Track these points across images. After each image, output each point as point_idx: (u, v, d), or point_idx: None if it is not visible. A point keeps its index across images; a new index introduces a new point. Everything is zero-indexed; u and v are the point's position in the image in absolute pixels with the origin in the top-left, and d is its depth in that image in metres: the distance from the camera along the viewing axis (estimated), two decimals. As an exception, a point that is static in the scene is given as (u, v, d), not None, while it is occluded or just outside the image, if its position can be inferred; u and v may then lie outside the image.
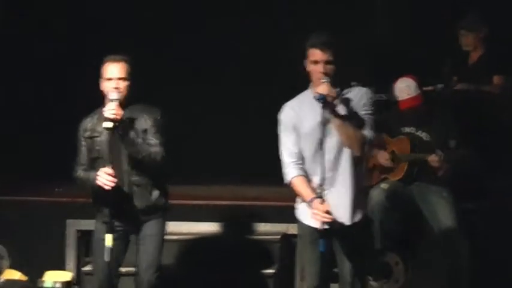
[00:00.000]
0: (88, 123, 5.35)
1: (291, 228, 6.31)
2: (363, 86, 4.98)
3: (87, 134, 5.32)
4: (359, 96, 4.79)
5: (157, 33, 7.96)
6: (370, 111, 4.79)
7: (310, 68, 4.78)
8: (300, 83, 4.99)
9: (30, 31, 7.85)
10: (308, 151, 4.81)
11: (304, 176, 4.82)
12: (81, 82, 5.44)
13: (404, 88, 6.22)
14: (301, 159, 4.84)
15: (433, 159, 5.99)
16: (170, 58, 7.97)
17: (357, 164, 4.81)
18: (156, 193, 5.31)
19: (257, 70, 7.93)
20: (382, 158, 6.21)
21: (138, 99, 5.32)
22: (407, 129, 6.30)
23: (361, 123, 4.74)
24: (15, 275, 6.36)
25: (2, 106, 7.67)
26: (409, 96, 6.21)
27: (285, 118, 4.88)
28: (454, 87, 6.76)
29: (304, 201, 4.80)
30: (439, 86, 6.76)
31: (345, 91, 4.82)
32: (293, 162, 4.83)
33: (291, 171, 4.84)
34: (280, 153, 4.90)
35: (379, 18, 7.82)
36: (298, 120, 4.84)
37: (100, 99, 5.33)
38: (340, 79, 4.79)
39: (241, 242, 6.49)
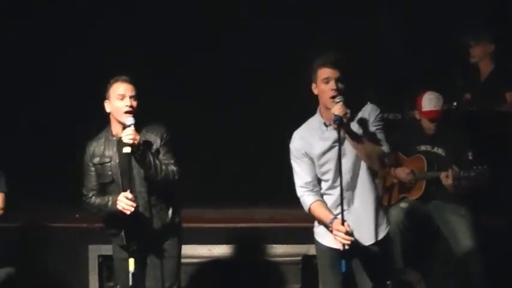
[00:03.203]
0: (94, 147, 5.32)
1: (311, 249, 6.32)
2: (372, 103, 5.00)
3: (96, 160, 5.30)
4: (367, 113, 4.82)
5: (165, 54, 7.97)
6: (380, 126, 4.82)
7: (320, 88, 4.77)
8: (309, 106, 5.02)
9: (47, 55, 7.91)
10: (327, 175, 4.83)
11: (321, 200, 4.84)
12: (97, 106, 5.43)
13: (433, 99, 6.26)
14: (316, 185, 4.86)
15: (445, 176, 6.01)
16: (180, 79, 7.96)
17: (374, 179, 4.84)
18: (171, 213, 5.32)
19: (269, 92, 7.94)
20: (403, 173, 6.22)
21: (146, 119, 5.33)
22: (423, 148, 6.32)
23: (375, 139, 4.77)
24: None
25: (22, 132, 7.74)
26: (434, 109, 6.24)
27: (295, 147, 4.90)
28: (467, 106, 6.78)
29: (324, 224, 4.81)
30: (454, 104, 6.77)
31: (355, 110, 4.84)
32: (307, 190, 4.86)
33: (307, 199, 4.86)
34: (294, 181, 4.93)
35: (386, 33, 7.83)
36: (309, 148, 4.84)
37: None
38: (350, 98, 4.80)
39: (262, 265, 6.51)
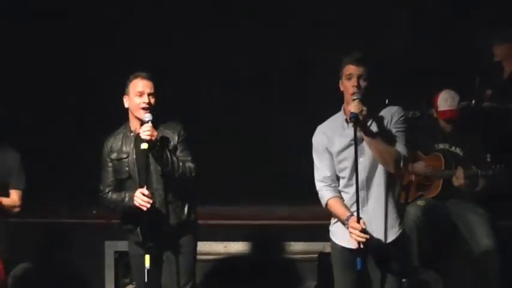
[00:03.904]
0: (112, 143, 5.34)
1: (328, 247, 6.30)
2: (395, 104, 4.99)
3: (114, 155, 5.31)
4: (390, 115, 4.81)
5: (184, 49, 7.99)
6: (402, 129, 4.80)
7: (344, 84, 4.81)
8: (332, 105, 5.02)
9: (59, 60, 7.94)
10: (344, 172, 4.83)
11: (338, 197, 4.84)
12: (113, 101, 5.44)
13: (449, 98, 6.25)
14: (334, 181, 4.87)
15: (455, 177, 5.99)
16: (195, 75, 7.97)
17: (391, 182, 4.82)
18: (187, 209, 5.32)
19: (288, 87, 7.94)
20: (421, 166, 6.20)
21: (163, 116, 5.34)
22: (441, 146, 6.31)
23: (393, 140, 4.75)
24: None
25: (39, 128, 7.78)
26: (450, 108, 6.23)
27: (316, 142, 4.92)
28: (489, 102, 6.75)
29: (341, 221, 4.81)
30: (473, 102, 6.74)
31: (377, 109, 4.84)
32: (326, 185, 4.87)
33: (325, 194, 4.87)
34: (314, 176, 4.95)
35: (403, 32, 7.80)
36: (330, 143, 4.86)
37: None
38: (372, 97, 4.80)
39: (278, 262, 6.51)
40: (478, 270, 6.01)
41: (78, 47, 7.85)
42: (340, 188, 4.87)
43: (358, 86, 4.73)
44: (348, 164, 4.79)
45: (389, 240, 4.79)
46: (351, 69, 4.78)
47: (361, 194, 4.74)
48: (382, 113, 4.83)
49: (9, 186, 5.94)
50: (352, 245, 4.72)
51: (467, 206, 6.13)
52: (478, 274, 6.01)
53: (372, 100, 4.80)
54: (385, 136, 4.74)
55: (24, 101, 7.67)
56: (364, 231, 4.63)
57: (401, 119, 4.81)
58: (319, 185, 4.90)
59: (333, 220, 4.95)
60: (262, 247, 6.59)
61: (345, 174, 4.83)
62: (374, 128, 4.76)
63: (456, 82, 6.69)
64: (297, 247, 6.53)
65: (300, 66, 7.78)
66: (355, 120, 4.63)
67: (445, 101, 6.26)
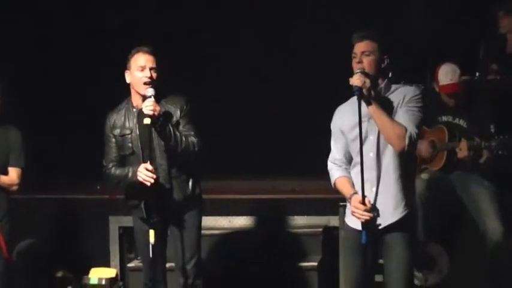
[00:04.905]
0: (115, 119, 5.31)
1: (332, 221, 6.33)
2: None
3: (117, 131, 5.29)
4: (404, 94, 4.71)
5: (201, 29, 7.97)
6: (413, 107, 4.68)
7: (353, 64, 4.74)
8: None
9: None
10: (354, 151, 4.77)
11: (346, 176, 4.81)
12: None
13: (450, 72, 6.20)
14: (345, 163, 4.83)
15: (458, 149, 5.96)
16: (202, 53, 8.00)
17: (402, 162, 4.71)
18: (192, 184, 5.31)
19: (297, 67, 7.93)
20: (423, 147, 6.18)
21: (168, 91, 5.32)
22: (444, 118, 6.28)
23: (402, 118, 4.64)
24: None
25: (43, 105, 7.77)
26: (451, 82, 6.20)
27: (332, 123, 4.89)
28: (494, 76, 6.71)
29: (346, 199, 4.79)
30: (477, 75, 6.71)
31: (390, 86, 4.77)
32: (335, 165, 4.85)
33: (334, 173, 4.86)
34: None
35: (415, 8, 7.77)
36: (341, 123, 4.82)
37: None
38: (384, 73, 4.74)
39: (282, 236, 6.51)
40: (485, 246, 5.99)
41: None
42: (352, 167, 4.82)
43: (360, 62, 4.68)
44: (357, 142, 4.71)
45: (400, 216, 4.70)
46: (355, 47, 4.73)
47: (371, 173, 4.68)
48: (397, 91, 4.74)
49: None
50: (358, 225, 4.69)
51: (472, 178, 6.10)
52: (486, 249, 6.00)
53: (388, 79, 4.73)
54: (392, 112, 4.66)
55: (30, 75, 7.67)
56: (368, 210, 4.60)
57: (414, 98, 4.69)
58: (329, 165, 4.89)
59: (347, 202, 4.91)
60: (267, 222, 6.59)
61: (355, 153, 4.77)
62: (387, 104, 4.67)
63: (461, 54, 6.68)
64: (301, 221, 6.54)
65: (317, 48, 7.73)
66: (359, 94, 4.59)
67: (446, 75, 6.22)
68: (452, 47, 7.22)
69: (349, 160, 4.82)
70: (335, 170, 4.85)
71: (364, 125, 4.65)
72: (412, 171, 4.85)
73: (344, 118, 4.81)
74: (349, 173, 4.82)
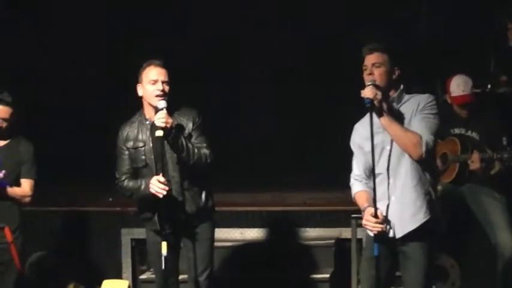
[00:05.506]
0: (128, 131, 5.32)
1: (344, 233, 6.33)
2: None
3: (130, 144, 5.30)
4: (417, 102, 4.72)
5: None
6: (428, 115, 4.69)
7: (364, 77, 4.75)
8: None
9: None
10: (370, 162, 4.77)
11: (364, 191, 4.82)
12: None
13: (462, 84, 6.21)
14: (365, 178, 4.83)
15: (471, 161, 5.96)
16: (214, 61, 8.00)
17: (419, 170, 4.69)
18: (205, 196, 5.32)
19: (311, 72, 7.93)
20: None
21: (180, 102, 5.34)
22: (457, 131, 6.28)
23: (417, 126, 4.66)
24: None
25: (55, 118, 7.80)
26: (463, 93, 6.20)
27: (351, 141, 4.91)
28: (504, 88, 6.71)
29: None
30: (489, 87, 6.71)
31: (403, 97, 4.78)
32: (356, 180, 4.87)
33: (354, 188, 4.88)
34: None
35: (425, 18, 7.76)
36: (359, 137, 4.84)
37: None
38: (396, 84, 4.75)
39: (294, 248, 6.51)
40: (496, 258, 5.99)
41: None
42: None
43: (371, 73, 4.69)
44: (376, 153, 4.71)
45: (411, 228, 4.68)
46: (365, 59, 4.75)
47: (390, 182, 4.69)
48: (410, 101, 4.75)
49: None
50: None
51: (482, 190, 6.11)
52: (497, 261, 5.99)
53: (400, 90, 4.74)
54: (410, 123, 4.68)
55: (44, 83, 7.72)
56: (380, 222, 4.60)
57: (428, 105, 4.70)
58: (351, 179, 4.91)
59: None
60: (279, 234, 6.60)
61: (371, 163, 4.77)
62: (392, 113, 4.70)
63: (472, 66, 6.67)
64: (313, 233, 6.54)
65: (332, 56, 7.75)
66: (370, 106, 4.60)
67: (458, 86, 6.23)
68: (462, 59, 7.21)
69: (369, 175, 4.81)
70: (355, 185, 4.88)
71: (379, 136, 4.67)
72: (433, 177, 4.81)
73: (360, 131, 4.83)
74: (369, 187, 4.81)
